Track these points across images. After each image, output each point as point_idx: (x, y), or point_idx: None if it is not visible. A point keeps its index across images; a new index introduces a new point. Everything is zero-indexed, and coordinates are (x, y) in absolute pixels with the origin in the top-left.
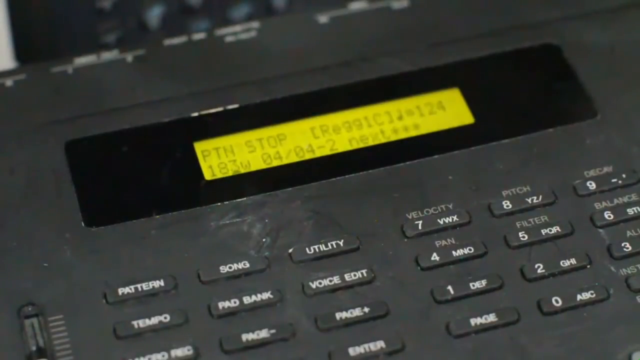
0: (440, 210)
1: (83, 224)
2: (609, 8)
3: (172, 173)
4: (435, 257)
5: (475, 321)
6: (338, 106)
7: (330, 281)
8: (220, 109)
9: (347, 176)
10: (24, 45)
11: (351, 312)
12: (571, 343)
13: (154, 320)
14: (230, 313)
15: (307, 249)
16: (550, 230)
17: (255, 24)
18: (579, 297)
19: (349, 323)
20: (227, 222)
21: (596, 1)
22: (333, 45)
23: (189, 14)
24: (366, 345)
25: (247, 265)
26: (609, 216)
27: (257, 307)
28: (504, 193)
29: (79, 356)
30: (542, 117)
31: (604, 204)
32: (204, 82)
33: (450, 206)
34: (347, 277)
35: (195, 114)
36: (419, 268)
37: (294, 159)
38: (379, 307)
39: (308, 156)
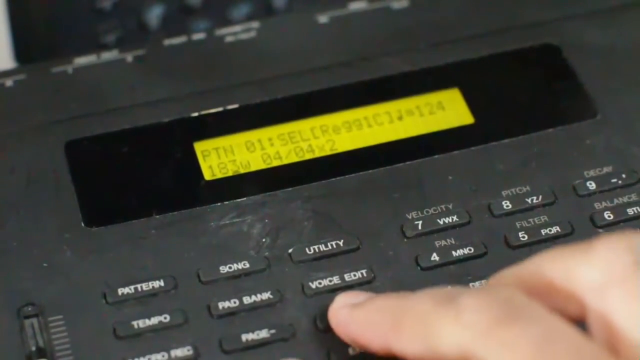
0: (440, 210)
1: (83, 224)
2: (609, 8)
3: (172, 173)
4: (435, 257)
5: None
6: (338, 106)
7: (330, 281)
8: (220, 109)
9: (347, 176)
10: (24, 45)
11: None
12: None
13: (154, 320)
14: (230, 313)
15: (307, 249)
16: (550, 230)
17: (255, 24)
18: None
19: None
20: (227, 222)
21: (596, 1)
22: (333, 45)
23: (189, 14)
24: None
25: (247, 265)
26: (609, 216)
27: (257, 307)
28: (504, 193)
29: (79, 356)
30: (542, 117)
31: (604, 204)
32: (204, 82)
33: (450, 206)
34: (347, 277)
35: (195, 114)
36: (419, 268)
37: (294, 159)
38: None
39: (308, 156)
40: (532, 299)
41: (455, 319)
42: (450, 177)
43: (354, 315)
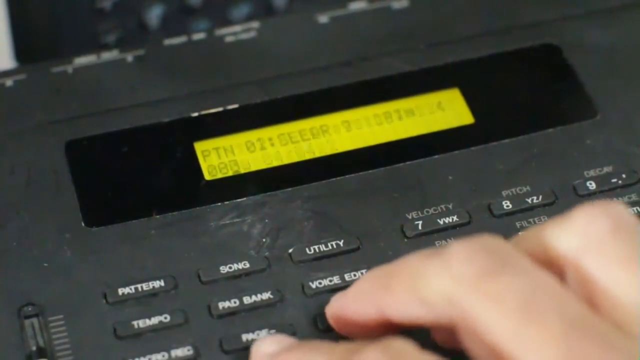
0: (440, 210)
1: (83, 224)
2: (609, 8)
3: (172, 173)
4: None
5: None
6: (338, 106)
7: (330, 281)
8: (220, 109)
9: (347, 176)
10: (24, 45)
11: None
12: None
13: (154, 320)
14: (230, 313)
15: (307, 249)
16: None
17: (255, 24)
18: None
19: None
20: (227, 222)
21: (596, 1)
22: (333, 45)
23: (189, 14)
24: None
25: (247, 265)
26: None
27: (257, 307)
28: (504, 193)
29: (79, 356)
30: (542, 117)
31: None
32: (204, 82)
33: (450, 206)
34: (347, 277)
35: (195, 114)
36: None
37: (294, 159)
38: None
39: (308, 156)
40: (519, 251)
41: (443, 267)
42: (450, 177)
43: (346, 297)
